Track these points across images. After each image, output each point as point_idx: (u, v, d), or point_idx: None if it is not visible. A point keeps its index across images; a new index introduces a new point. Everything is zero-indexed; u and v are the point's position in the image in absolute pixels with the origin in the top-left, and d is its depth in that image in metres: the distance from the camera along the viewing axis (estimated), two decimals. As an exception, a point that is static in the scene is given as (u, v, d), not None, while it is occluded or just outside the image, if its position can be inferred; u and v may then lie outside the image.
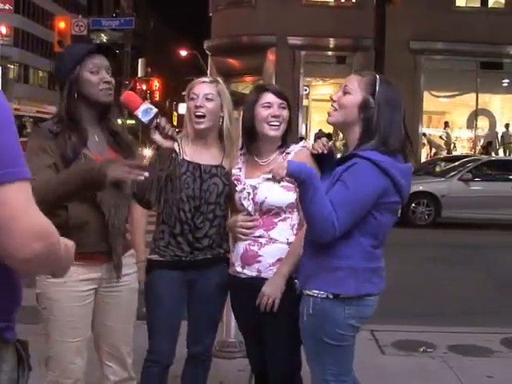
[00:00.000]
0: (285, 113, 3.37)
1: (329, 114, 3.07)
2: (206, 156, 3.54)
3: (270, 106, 3.35)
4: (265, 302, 3.25)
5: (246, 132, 3.45)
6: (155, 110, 3.04)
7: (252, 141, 3.43)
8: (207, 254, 3.53)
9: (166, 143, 3.08)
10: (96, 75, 3.05)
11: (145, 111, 2.99)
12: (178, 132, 3.40)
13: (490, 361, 5.47)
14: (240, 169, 3.48)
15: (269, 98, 3.35)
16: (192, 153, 3.53)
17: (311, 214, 2.85)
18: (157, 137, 3.06)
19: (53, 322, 3.06)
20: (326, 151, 3.16)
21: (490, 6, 24.61)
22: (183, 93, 3.76)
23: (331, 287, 2.95)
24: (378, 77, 3.03)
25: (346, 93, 3.02)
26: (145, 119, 2.99)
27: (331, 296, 2.94)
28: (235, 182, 3.47)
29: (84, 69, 3.04)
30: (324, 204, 2.81)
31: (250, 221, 3.35)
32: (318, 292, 2.96)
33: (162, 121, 3.05)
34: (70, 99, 3.04)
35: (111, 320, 3.22)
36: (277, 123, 3.34)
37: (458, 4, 24.07)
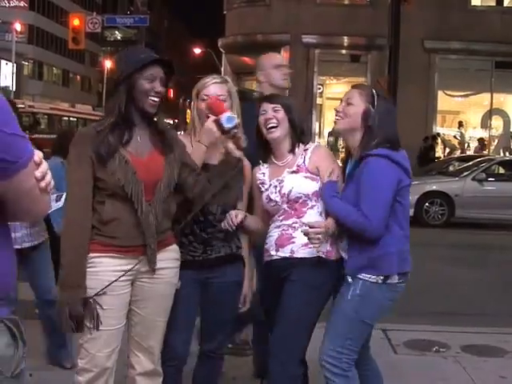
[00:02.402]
0: (279, 115, 3.60)
1: (335, 122, 3.56)
2: (212, 155, 3.55)
3: (265, 112, 3.61)
4: (314, 226, 3.38)
5: (258, 140, 3.68)
6: (237, 120, 3.21)
7: (267, 147, 3.67)
8: (220, 251, 3.55)
9: (237, 153, 3.23)
10: (150, 84, 3.16)
11: (228, 118, 3.17)
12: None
13: (504, 361, 5.45)
14: (264, 173, 3.69)
15: (263, 105, 3.64)
16: None
17: (348, 227, 3.42)
18: (230, 145, 3.21)
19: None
20: None
21: (505, 4, 24.46)
22: None
23: (379, 271, 3.40)
24: (373, 90, 3.57)
25: (349, 104, 3.52)
26: (227, 126, 3.16)
27: (380, 281, 3.40)
28: (260, 185, 3.67)
29: (141, 76, 3.15)
30: (348, 213, 3.40)
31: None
32: (369, 276, 3.40)
33: (239, 131, 3.21)
34: (126, 102, 3.15)
35: (144, 311, 3.29)
36: (272, 125, 3.59)
37: (473, 3, 23.90)
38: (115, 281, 3.10)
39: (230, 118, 3.15)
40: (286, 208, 3.56)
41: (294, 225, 3.54)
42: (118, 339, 3.23)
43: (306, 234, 3.36)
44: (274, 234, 3.61)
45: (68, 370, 4.61)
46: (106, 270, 3.12)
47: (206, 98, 3.52)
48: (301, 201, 3.54)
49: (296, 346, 3.51)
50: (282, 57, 4.90)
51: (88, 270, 3.11)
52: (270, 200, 3.61)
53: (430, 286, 7.86)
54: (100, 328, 3.12)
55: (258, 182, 3.67)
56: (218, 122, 3.15)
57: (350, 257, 3.47)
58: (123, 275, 3.14)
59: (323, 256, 3.50)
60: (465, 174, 15.69)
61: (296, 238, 3.51)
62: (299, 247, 3.51)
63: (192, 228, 3.52)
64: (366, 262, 3.41)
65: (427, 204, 14.94)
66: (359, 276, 3.42)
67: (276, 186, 3.58)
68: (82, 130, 3.32)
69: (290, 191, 3.52)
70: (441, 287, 8.38)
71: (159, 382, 3.42)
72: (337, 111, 3.57)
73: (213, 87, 3.55)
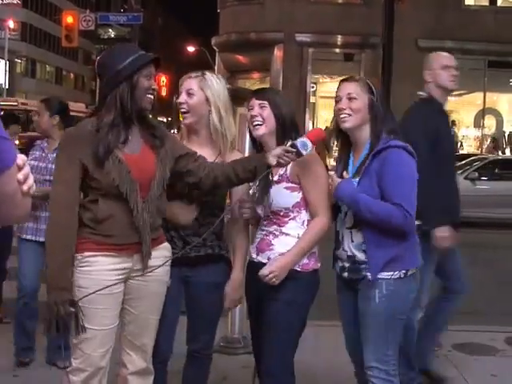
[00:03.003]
0: (265, 112, 3.51)
1: (343, 120, 3.40)
2: (211, 157, 3.53)
3: (252, 108, 3.54)
4: (262, 272, 3.39)
5: (250, 137, 3.68)
6: (307, 151, 3.25)
7: (256, 145, 3.66)
8: (200, 250, 3.54)
9: (273, 160, 3.23)
10: (148, 81, 3.18)
11: (304, 144, 3.22)
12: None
13: (495, 359, 5.48)
14: None
15: (251, 101, 3.56)
16: None
17: (379, 221, 3.30)
18: (279, 151, 3.24)
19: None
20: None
21: (498, 4, 24.55)
22: None
23: (404, 265, 3.37)
24: (365, 78, 3.53)
25: (352, 98, 3.39)
26: (302, 151, 3.22)
27: (403, 275, 3.35)
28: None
29: (141, 74, 3.15)
30: (380, 208, 3.30)
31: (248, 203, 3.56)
32: (391, 274, 3.34)
33: (293, 158, 3.25)
34: (128, 101, 3.13)
35: (137, 309, 3.28)
36: (256, 122, 3.52)
37: (466, 2, 23.99)
38: (113, 285, 3.11)
39: (305, 143, 3.20)
40: (269, 215, 3.52)
41: (274, 232, 3.51)
42: (112, 339, 3.22)
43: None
44: (258, 236, 3.60)
45: (59, 370, 4.59)
46: (100, 268, 3.11)
47: (180, 92, 3.58)
48: (282, 213, 3.48)
49: (284, 361, 3.49)
50: (452, 57, 4.69)
51: (82, 269, 3.10)
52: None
53: (422, 285, 7.85)
54: (95, 328, 3.11)
55: None
56: (302, 143, 3.22)
57: (372, 257, 3.36)
58: (119, 282, 3.14)
59: (298, 269, 3.45)
60: (457, 172, 15.69)
61: (274, 246, 3.49)
62: (276, 255, 3.46)
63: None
64: (390, 257, 3.35)
65: (420, 203, 14.94)
66: (380, 276, 3.35)
67: (259, 198, 3.53)
68: (72, 131, 3.28)
69: (271, 204, 3.47)
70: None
71: (151, 381, 3.41)
72: (341, 109, 3.40)
73: (184, 82, 3.59)
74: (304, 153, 3.23)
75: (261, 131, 3.52)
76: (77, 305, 3.05)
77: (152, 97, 3.20)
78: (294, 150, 3.20)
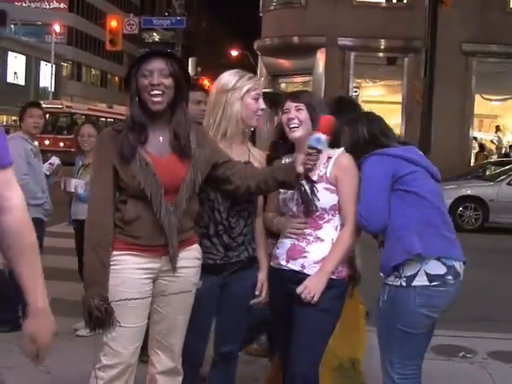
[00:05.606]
0: (301, 114, 3.53)
1: None
2: (234, 153, 3.52)
3: (288, 111, 3.56)
4: (305, 296, 3.35)
5: (280, 137, 3.68)
6: (321, 147, 3.21)
7: (288, 145, 3.63)
8: (240, 255, 3.54)
9: (300, 168, 3.19)
10: (147, 79, 3.15)
11: (318, 139, 3.18)
12: None
13: (531, 368, 5.39)
14: None
15: (287, 104, 3.58)
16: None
17: None
18: (301, 157, 3.21)
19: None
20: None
21: (545, 7, 24.15)
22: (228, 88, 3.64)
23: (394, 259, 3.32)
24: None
25: None
26: (316, 146, 3.18)
27: (404, 283, 3.28)
28: None
29: (139, 74, 3.16)
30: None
31: (303, 223, 3.48)
32: (392, 280, 3.32)
33: (317, 158, 3.20)
34: (132, 103, 3.19)
35: (165, 309, 3.32)
36: (294, 125, 3.53)
37: (511, 5, 23.69)
38: (138, 298, 3.18)
39: (320, 140, 3.18)
40: (302, 217, 3.49)
41: (308, 237, 3.47)
42: (141, 337, 3.26)
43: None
44: (287, 242, 3.54)
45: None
46: (129, 267, 3.16)
47: (257, 96, 3.54)
48: (318, 213, 3.45)
49: (315, 367, 3.47)
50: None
51: (112, 268, 3.14)
52: (286, 205, 3.55)
53: (460, 291, 7.77)
54: (125, 325, 3.14)
55: None
56: (316, 139, 3.21)
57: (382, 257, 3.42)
58: (148, 296, 3.21)
59: (334, 277, 3.42)
60: (500, 178, 15.49)
61: (309, 254, 3.45)
62: (311, 264, 3.43)
63: (216, 230, 3.50)
64: (386, 259, 3.38)
65: (461, 208, 14.80)
66: (385, 281, 3.38)
67: (294, 194, 3.49)
68: (103, 132, 3.34)
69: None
70: (472, 292, 8.25)
71: (179, 381, 3.43)
72: None
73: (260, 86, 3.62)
74: (321, 147, 3.18)
75: (298, 133, 3.53)
76: (107, 300, 3.09)
77: (155, 92, 3.13)
78: (312, 150, 3.18)
